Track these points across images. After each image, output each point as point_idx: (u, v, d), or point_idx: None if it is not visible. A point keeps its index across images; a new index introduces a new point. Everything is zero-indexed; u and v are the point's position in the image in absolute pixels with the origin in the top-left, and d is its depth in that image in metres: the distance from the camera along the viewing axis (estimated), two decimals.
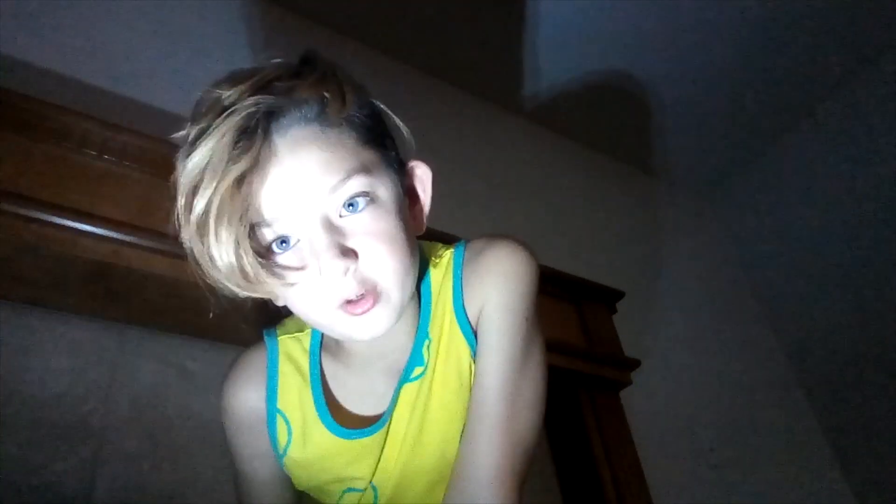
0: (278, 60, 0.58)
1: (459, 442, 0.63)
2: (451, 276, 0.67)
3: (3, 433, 0.90)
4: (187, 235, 0.53)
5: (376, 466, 0.67)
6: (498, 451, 0.59)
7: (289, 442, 0.70)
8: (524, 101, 1.96)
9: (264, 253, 0.55)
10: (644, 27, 1.78)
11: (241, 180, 0.51)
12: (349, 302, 0.56)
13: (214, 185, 0.50)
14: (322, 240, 0.54)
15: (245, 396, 0.71)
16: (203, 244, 0.52)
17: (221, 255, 0.52)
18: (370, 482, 0.67)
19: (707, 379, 1.83)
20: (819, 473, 1.89)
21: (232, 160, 0.51)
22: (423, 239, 0.68)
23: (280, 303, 0.62)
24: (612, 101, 1.99)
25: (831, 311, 2.03)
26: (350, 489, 0.69)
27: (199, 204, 0.51)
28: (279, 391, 0.71)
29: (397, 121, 0.65)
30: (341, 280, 0.54)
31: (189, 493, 0.99)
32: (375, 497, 0.68)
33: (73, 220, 0.94)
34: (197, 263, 0.54)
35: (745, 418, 1.82)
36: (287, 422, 0.70)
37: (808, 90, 2.04)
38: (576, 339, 1.51)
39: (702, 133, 2.14)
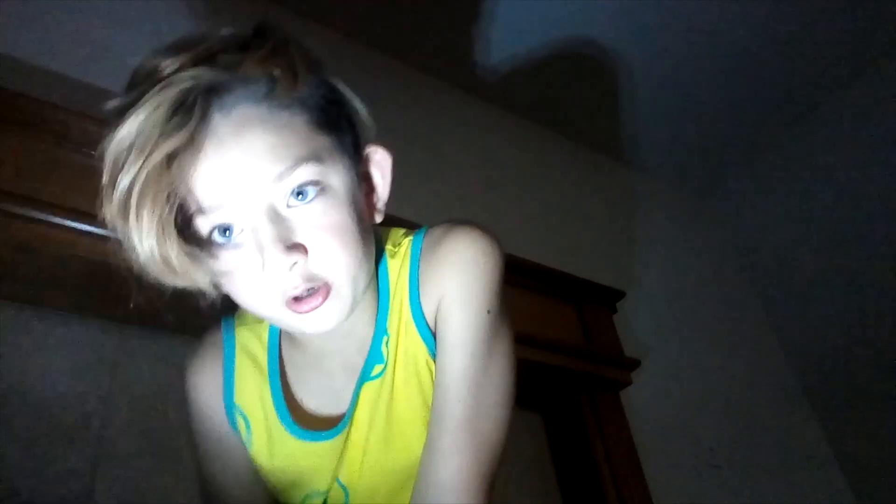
0: (227, 30, 0.53)
1: (423, 445, 0.59)
2: (407, 267, 0.62)
3: (3, 433, 0.90)
4: (110, 215, 0.48)
5: (335, 471, 0.64)
6: (462, 453, 0.55)
7: (249, 439, 0.67)
8: (520, 100, 1.96)
9: (203, 241, 0.51)
10: (645, 26, 1.78)
11: (171, 158, 0.46)
12: (295, 299, 0.51)
13: (141, 161, 0.45)
14: (267, 232, 0.49)
15: (206, 383, 0.68)
16: (125, 225, 0.47)
17: (142, 239, 0.47)
18: (335, 484, 0.65)
19: (707, 379, 1.83)
20: (819, 473, 1.89)
21: (163, 135, 0.45)
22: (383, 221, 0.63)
23: (211, 293, 0.56)
24: (610, 100, 1.99)
25: (831, 311, 2.03)
26: (308, 495, 0.66)
27: (123, 181, 0.46)
28: (236, 386, 0.67)
29: (357, 101, 0.59)
30: (286, 275, 0.50)
31: (189, 493, 0.99)
32: (346, 498, 0.65)
33: (73, 220, 0.94)
34: (121, 246, 0.49)
35: (745, 418, 1.82)
36: (245, 418, 0.66)
37: (808, 90, 2.04)
38: (576, 339, 1.51)
39: (701, 132, 2.14)
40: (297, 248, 0.50)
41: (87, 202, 0.97)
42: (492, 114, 1.94)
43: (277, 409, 0.65)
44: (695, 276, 2.10)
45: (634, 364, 1.55)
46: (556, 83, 1.92)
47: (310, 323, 0.53)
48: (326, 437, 0.64)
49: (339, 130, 0.56)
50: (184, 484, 1.00)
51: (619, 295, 1.66)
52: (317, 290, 0.52)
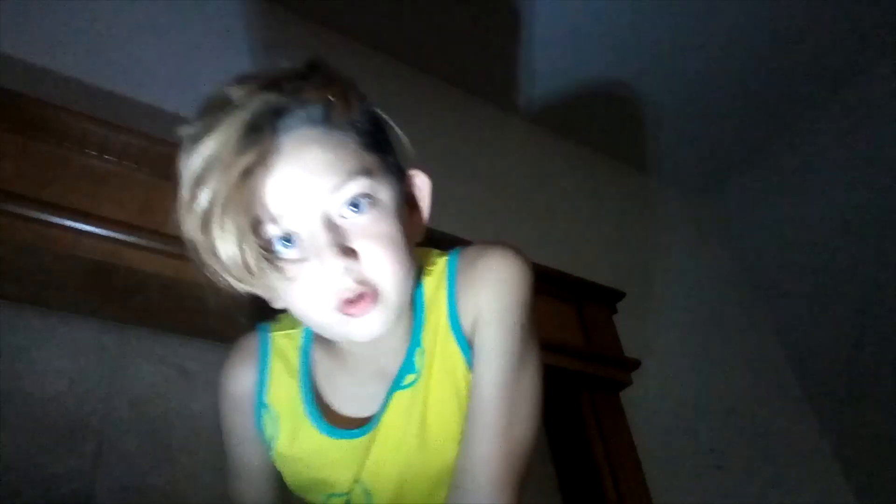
0: (286, 63, 0.59)
1: (458, 450, 0.64)
2: (444, 284, 0.67)
3: (3, 433, 0.90)
4: (190, 227, 0.53)
5: (359, 472, 0.67)
6: (497, 458, 0.60)
7: (276, 437, 0.70)
8: (522, 102, 1.96)
9: (267, 249, 0.56)
10: (643, 28, 1.78)
11: (247, 173, 0.52)
12: (347, 302, 0.56)
13: (221, 176, 0.51)
14: (323, 237, 0.54)
15: (240, 378, 0.72)
16: (207, 236, 0.52)
17: (226, 247, 0.52)
18: (357, 486, 0.67)
19: (707, 379, 1.83)
20: (819, 473, 1.89)
21: (239, 153, 0.51)
22: (421, 241, 0.69)
23: (278, 304, 0.62)
24: (610, 101, 1.99)
25: (831, 311, 2.03)
26: (332, 495, 0.69)
27: (205, 195, 0.51)
28: (268, 386, 0.71)
29: (397, 129, 0.65)
30: (340, 278, 0.55)
31: (189, 493, 0.99)
32: (370, 502, 0.68)
33: (73, 220, 0.94)
34: (198, 257, 0.54)
35: (745, 418, 1.82)
36: (274, 415, 0.70)
37: (808, 90, 2.04)
38: (576, 340, 1.51)
39: (702, 133, 2.14)
40: (350, 252, 0.55)
41: (87, 202, 0.97)
42: (492, 115, 1.95)
43: (306, 405, 0.69)
44: (695, 277, 2.10)
45: (634, 364, 1.55)
46: (556, 87, 1.92)
47: (359, 328, 0.57)
48: (353, 436, 0.67)
49: (385, 152, 0.62)
50: (184, 484, 1.00)
51: (620, 295, 1.66)
52: (366, 294, 0.56)
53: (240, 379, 0.72)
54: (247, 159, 0.51)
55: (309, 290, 0.56)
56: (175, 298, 1.02)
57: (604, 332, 1.58)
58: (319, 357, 0.71)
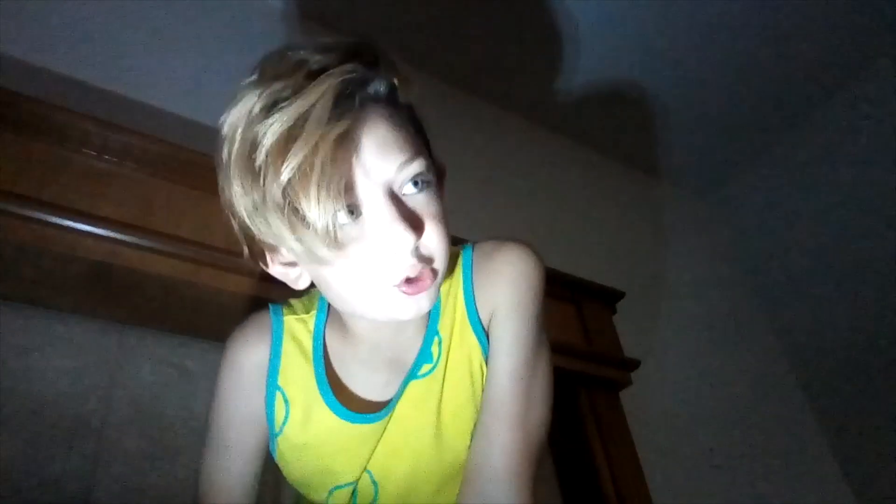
0: (345, 40, 0.57)
1: (472, 439, 0.65)
2: (460, 277, 0.68)
3: (3, 433, 0.90)
4: (271, 193, 0.50)
5: (369, 461, 0.67)
6: (513, 446, 0.62)
7: (286, 421, 0.68)
8: (525, 102, 1.96)
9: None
10: (645, 29, 1.78)
11: (339, 141, 0.50)
12: (408, 280, 0.54)
13: (314, 141, 0.49)
14: (391, 211, 0.53)
15: (252, 353, 0.70)
16: (298, 201, 0.49)
17: (319, 216, 0.49)
18: (366, 477, 0.67)
19: (707, 379, 1.83)
20: (819, 473, 1.89)
21: (331, 120, 0.50)
22: None
23: (301, 285, 0.60)
24: (612, 102, 1.99)
25: (831, 311, 2.03)
26: (338, 486, 0.68)
27: (295, 160, 0.49)
28: (280, 368, 0.70)
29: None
30: (408, 253, 0.53)
31: (189, 493, 0.99)
32: (375, 493, 0.67)
33: (73, 220, 0.94)
34: (257, 228, 0.52)
35: (745, 418, 1.82)
36: (286, 400, 0.69)
37: (808, 91, 2.04)
38: (576, 340, 1.51)
39: (702, 133, 2.14)
40: (418, 227, 0.54)
41: (87, 202, 0.97)
42: (496, 116, 1.94)
43: (320, 387, 0.68)
44: (695, 277, 2.10)
45: (634, 364, 1.55)
46: (559, 87, 1.92)
47: (411, 307, 0.56)
48: (366, 421, 0.66)
49: (426, 138, 0.63)
50: (183, 483, 1.00)
51: (619, 295, 1.65)
52: (425, 273, 0.55)
53: (252, 354, 0.70)
54: (343, 125, 0.50)
55: (372, 263, 0.54)
56: (175, 298, 1.02)
57: (604, 331, 1.58)
58: (333, 343, 0.70)
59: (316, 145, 0.49)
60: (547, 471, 1.44)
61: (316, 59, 0.52)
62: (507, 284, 0.66)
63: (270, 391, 0.69)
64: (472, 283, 0.67)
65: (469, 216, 1.57)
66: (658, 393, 1.66)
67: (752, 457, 1.74)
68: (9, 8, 1.15)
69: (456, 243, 0.71)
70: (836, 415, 1.98)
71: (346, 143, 0.51)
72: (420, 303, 0.56)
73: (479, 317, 0.67)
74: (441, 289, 0.67)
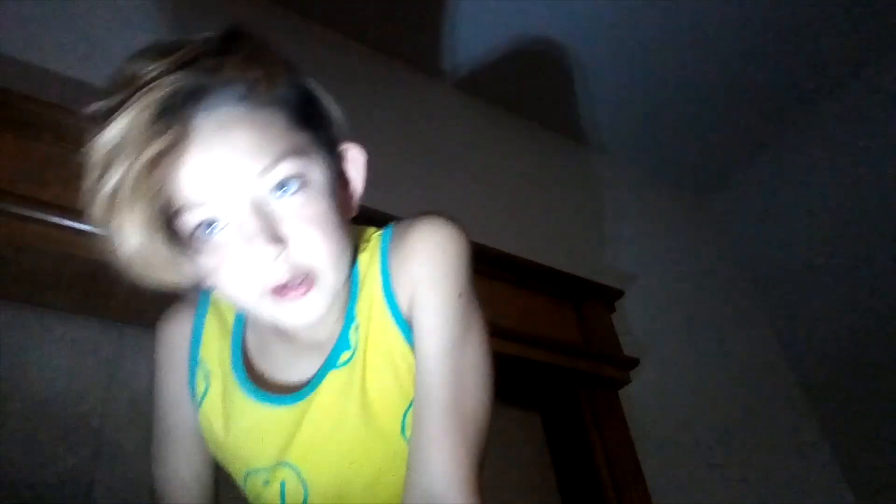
0: (204, 34, 0.55)
1: (411, 428, 0.61)
2: (378, 258, 0.64)
3: (2, 433, 0.90)
4: (97, 213, 0.50)
5: (286, 449, 0.63)
6: (450, 434, 0.57)
7: (205, 394, 0.67)
8: (516, 97, 1.96)
9: (187, 238, 0.53)
10: (643, 27, 1.78)
11: (157, 159, 0.48)
12: (278, 288, 0.54)
13: (129, 162, 0.47)
14: (252, 224, 0.52)
15: (175, 328, 0.71)
16: (112, 223, 0.50)
17: (130, 237, 0.50)
18: (285, 469, 0.64)
19: (706, 378, 1.83)
20: (819, 473, 1.89)
21: (150, 138, 0.48)
22: (357, 218, 0.66)
23: (189, 289, 0.59)
24: (611, 101, 1.99)
25: (830, 311, 2.03)
26: (251, 471, 0.65)
27: (111, 181, 0.48)
28: (203, 341, 0.69)
29: (329, 100, 0.62)
30: (271, 265, 0.52)
31: None
32: (305, 494, 0.64)
33: (73, 220, 0.94)
34: (106, 243, 0.52)
35: (744, 418, 1.82)
36: (207, 373, 0.68)
37: (808, 89, 2.04)
38: (575, 339, 1.52)
39: (701, 131, 2.14)
40: (280, 239, 0.52)
41: None
42: (490, 113, 1.95)
43: (234, 365, 0.67)
44: (694, 275, 2.10)
45: (633, 363, 1.55)
46: (552, 82, 1.93)
47: (292, 313, 0.55)
48: (277, 402, 0.64)
49: (316, 127, 0.59)
50: None
51: (618, 294, 1.66)
52: (301, 281, 0.54)
53: (175, 329, 0.70)
54: (158, 145, 0.48)
55: (237, 277, 0.54)
56: (174, 298, 1.02)
57: (603, 330, 1.58)
58: (255, 322, 0.68)
59: (129, 167, 0.47)
60: (546, 470, 1.44)
61: (149, 69, 0.50)
62: (423, 260, 0.61)
63: (193, 362, 0.69)
64: (389, 264, 0.63)
65: (469, 215, 1.57)
66: (657, 391, 1.66)
67: (752, 456, 1.75)
68: (9, 8, 1.15)
69: (385, 223, 0.68)
70: (835, 414, 1.98)
71: (167, 162, 0.49)
72: (306, 308, 0.55)
73: (396, 300, 0.62)
74: (360, 272, 0.65)
